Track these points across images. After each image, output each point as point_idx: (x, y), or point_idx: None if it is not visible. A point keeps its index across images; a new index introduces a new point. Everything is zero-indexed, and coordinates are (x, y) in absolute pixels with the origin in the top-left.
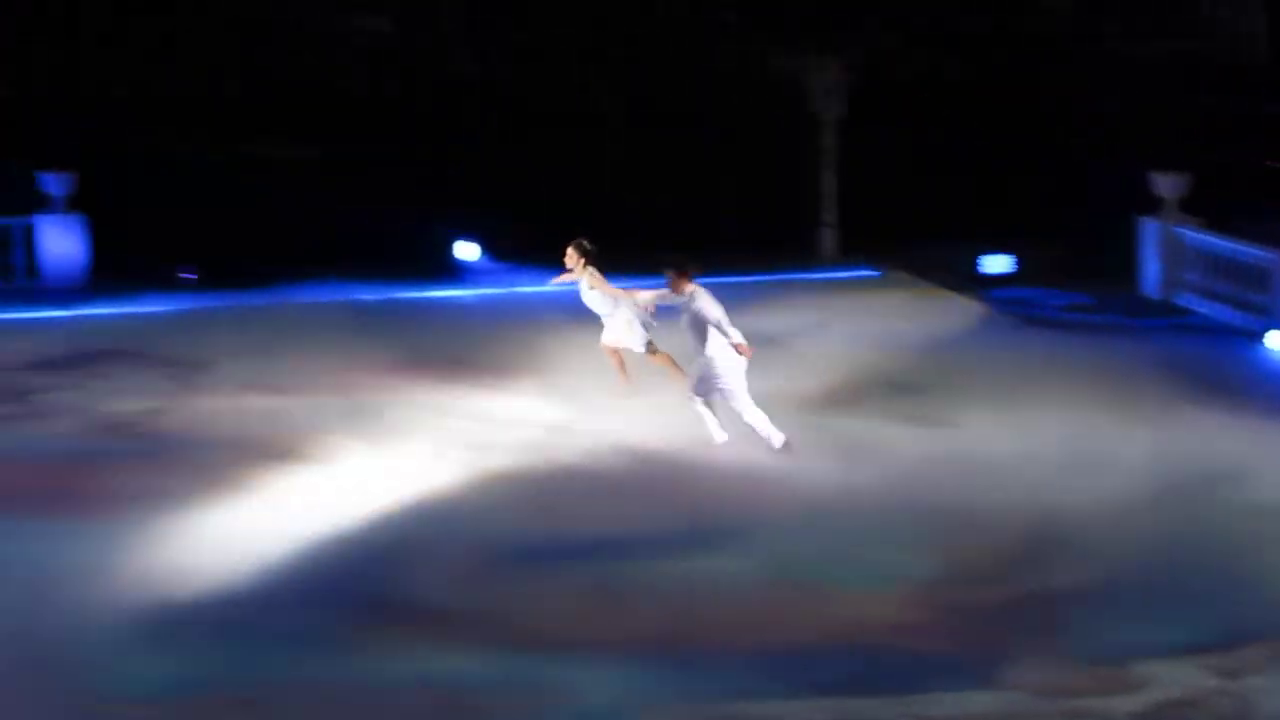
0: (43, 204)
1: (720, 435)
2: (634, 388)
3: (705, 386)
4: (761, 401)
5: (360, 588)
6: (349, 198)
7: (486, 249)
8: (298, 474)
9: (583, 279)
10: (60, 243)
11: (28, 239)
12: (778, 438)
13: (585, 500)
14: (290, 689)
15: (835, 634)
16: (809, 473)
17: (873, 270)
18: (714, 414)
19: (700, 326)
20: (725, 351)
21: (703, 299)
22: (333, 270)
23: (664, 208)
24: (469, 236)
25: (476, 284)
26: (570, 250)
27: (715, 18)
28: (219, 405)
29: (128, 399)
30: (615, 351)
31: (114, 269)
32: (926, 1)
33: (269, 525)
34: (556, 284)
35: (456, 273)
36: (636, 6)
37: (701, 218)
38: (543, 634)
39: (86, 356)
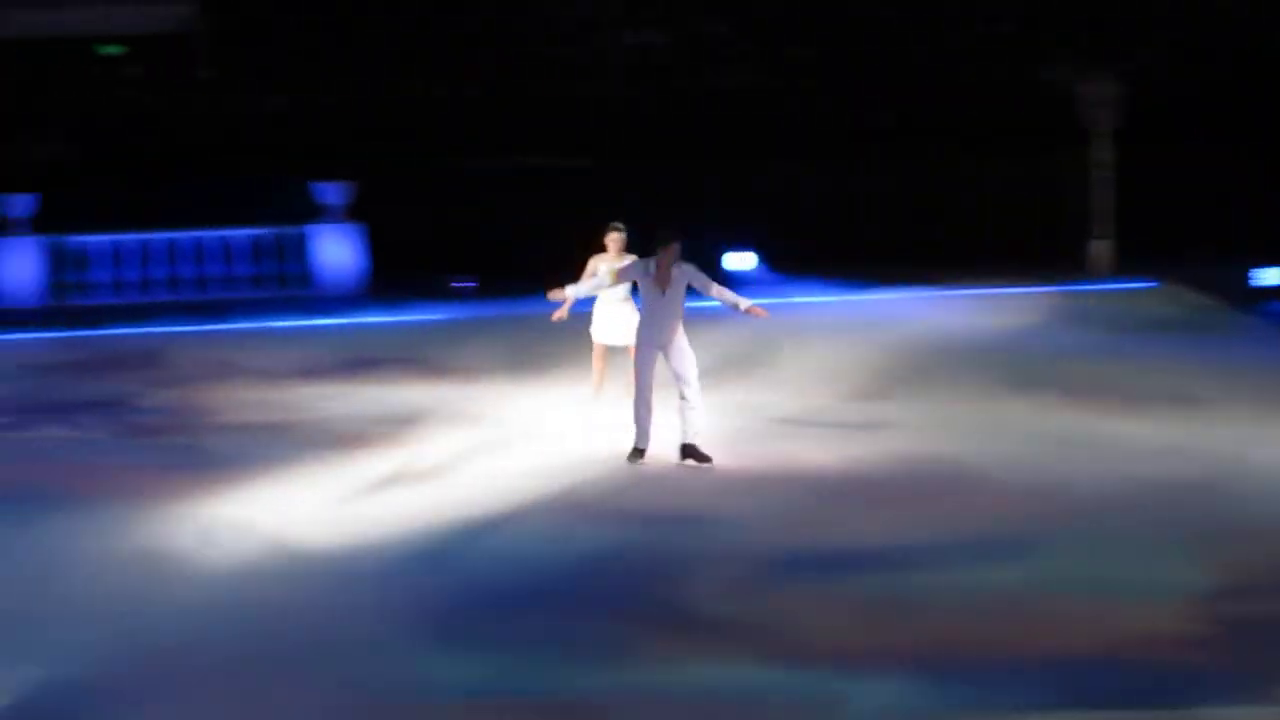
0: (319, 213)
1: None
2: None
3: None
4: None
5: (632, 595)
6: (624, 207)
7: (761, 259)
8: (569, 483)
9: (615, 265)
10: (336, 251)
11: (303, 248)
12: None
13: (854, 510)
14: (566, 695)
15: (1111, 646)
16: (1083, 482)
17: (1149, 283)
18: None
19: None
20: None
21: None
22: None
23: (931, 219)
24: (742, 247)
25: (750, 294)
26: (616, 235)
27: (991, 29)
28: (484, 413)
29: (395, 407)
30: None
31: (390, 278)
32: (1201, 16)
33: (544, 532)
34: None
35: (729, 283)
36: (907, 19)
37: (970, 229)
38: (814, 645)
39: (358, 364)
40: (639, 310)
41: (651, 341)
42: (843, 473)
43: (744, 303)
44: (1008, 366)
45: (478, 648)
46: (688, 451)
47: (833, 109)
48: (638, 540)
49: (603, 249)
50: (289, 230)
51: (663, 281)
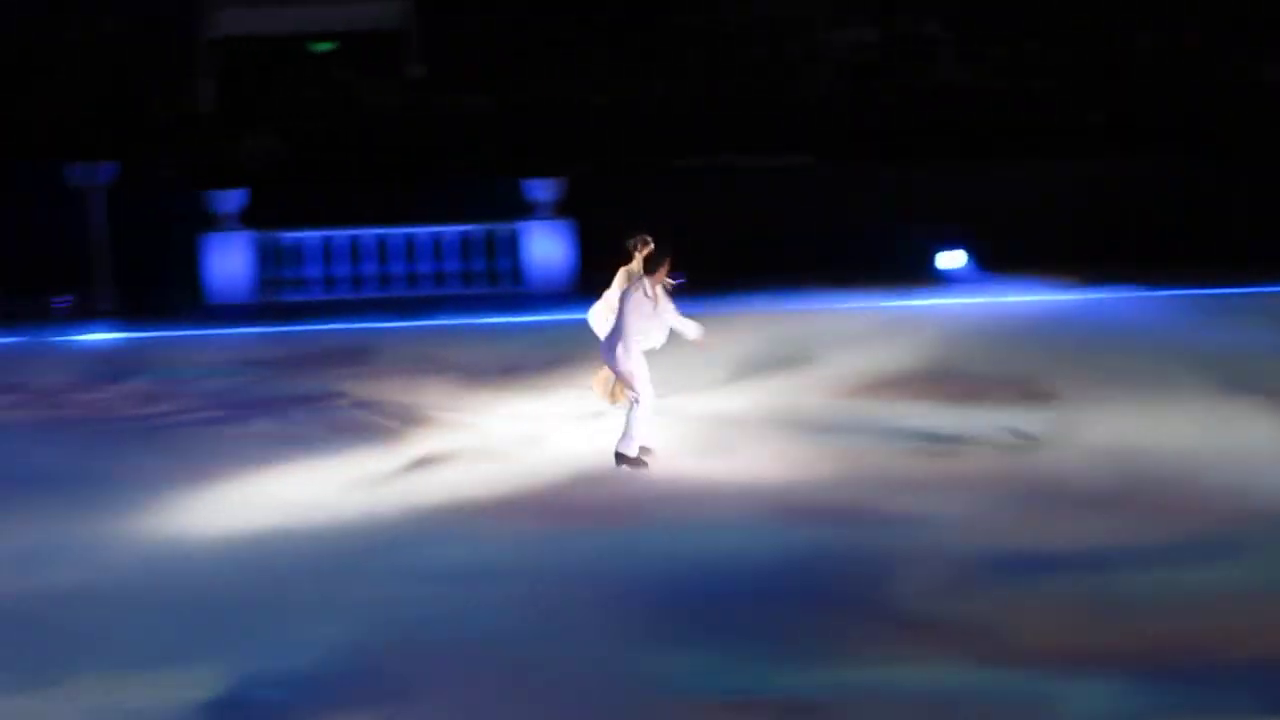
0: (530, 210)
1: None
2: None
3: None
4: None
5: (841, 595)
6: (834, 207)
7: (972, 258)
8: (778, 482)
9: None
10: (546, 248)
11: (514, 245)
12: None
13: (1060, 511)
14: (781, 694)
15: None
16: None
17: None
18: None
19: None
20: None
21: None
22: (819, 277)
23: (1155, 221)
24: (953, 245)
25: (960, 293)
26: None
27: (1210, 27)
28: (686, 409)
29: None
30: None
31: (599, 275)
32: None
33: (751, 529)
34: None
35: (940, 282)
36: (1125, 21)
37: (1204, 230)
38: (1029, 646)
39: (565, 361)
40: (625, 323)
41: (641, 351)
42: (1046, 473)
43: (691, 330)
44: (1227, 368)
45: (691, 646)
46: (629, 457)
47: (1044, 107)
48: (846, 539)
49: (628, 260)
50: (499, 227)
51: (655, 295)
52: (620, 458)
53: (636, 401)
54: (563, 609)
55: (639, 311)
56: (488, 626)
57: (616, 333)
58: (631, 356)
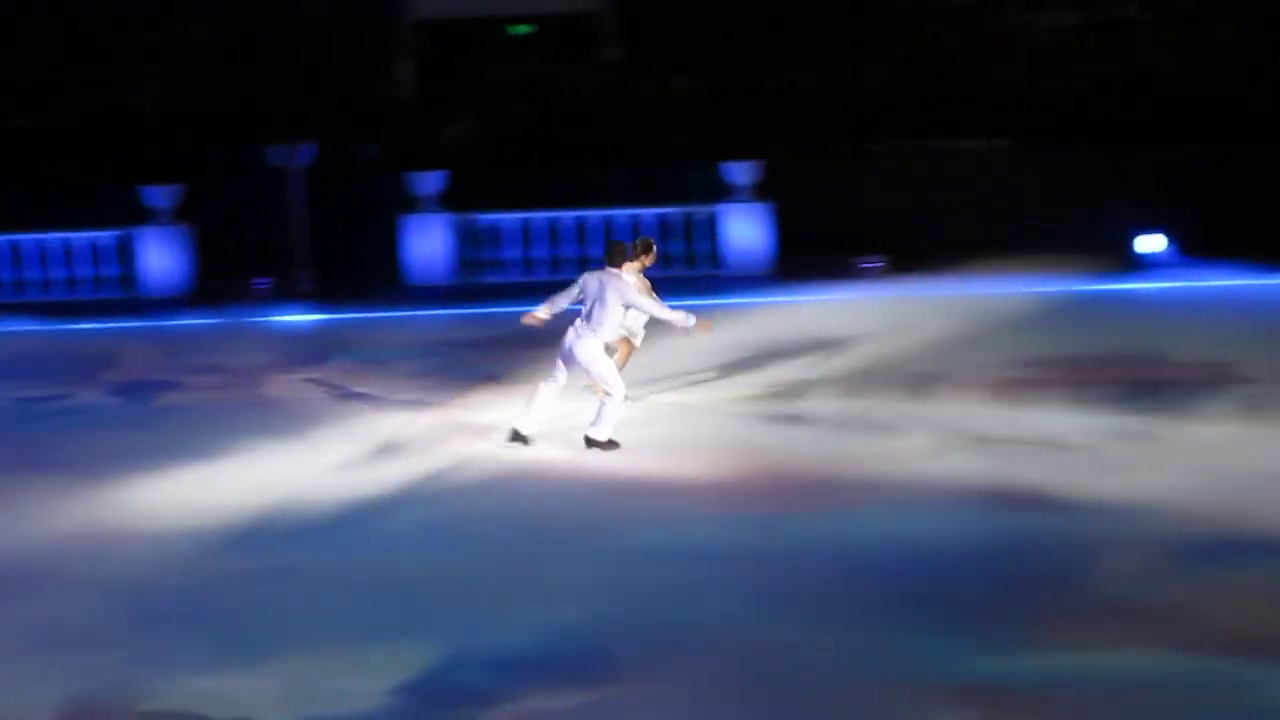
0: (728, 193)
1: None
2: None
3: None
4: None
5: (1041, 580)
6: (1032, 191)
7: (1171, 242)
8: (976, 465)
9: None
10: (744, 231)
11: (712, 227)
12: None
13: (1274, 495)
14: (984, 680)
15: None
16: None
17: None
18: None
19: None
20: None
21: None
22: (1016, 261)
23: None
24: (1153, 229)
25: (1160, 277)
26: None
27: None
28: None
29: (782, 383)
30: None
31: (797, 257)
32: None
33: (948, 513)
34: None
35: (1139, 265)
36: None
37: None
38: (1228, 632)
39: (765, 343)
40: (605, 318)
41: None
42: (1251, 457)
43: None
44: None
45: (898, 630)
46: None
47: (1246, 90)
48: (1044, 524)
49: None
50: (698, 209)
51: (633, 288)
52: (591, 442)
53: (610, 394)
54: (777, 592)
55: (619, 305)
56: (701, 610)
57: (599, 325)
58: (608, 349)
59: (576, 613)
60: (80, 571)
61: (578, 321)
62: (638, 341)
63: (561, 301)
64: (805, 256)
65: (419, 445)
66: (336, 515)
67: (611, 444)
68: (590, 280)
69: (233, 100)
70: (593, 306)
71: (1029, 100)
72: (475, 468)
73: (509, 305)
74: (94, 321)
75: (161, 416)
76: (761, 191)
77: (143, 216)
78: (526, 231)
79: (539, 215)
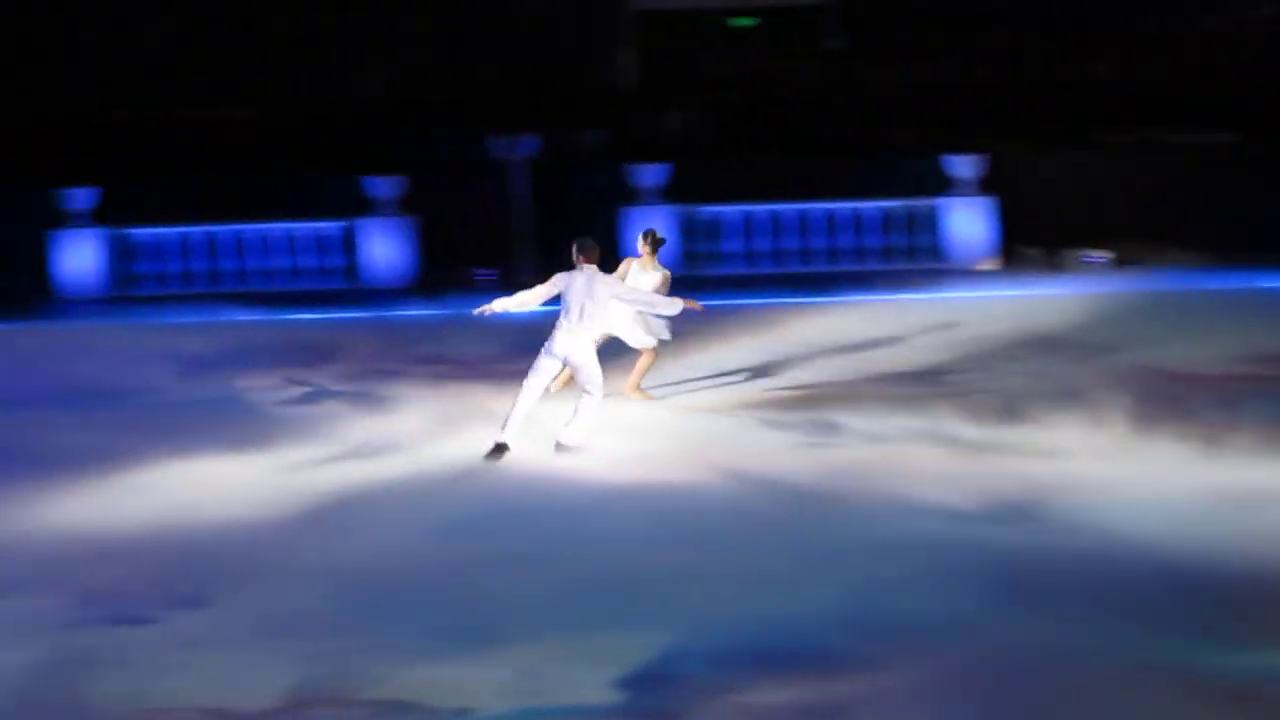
0: (951, 186)
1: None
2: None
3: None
4: None
5: (1257, 576)
6: (1260, 185)
7: None
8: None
9: (646, 270)
10: (967, 224)
11: (934, 221)
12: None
13: None
14: (1216, 676)
15: None
16: None
17: None
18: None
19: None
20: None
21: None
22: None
23: None
24: None
25: None
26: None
27: None
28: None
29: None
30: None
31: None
32: None
33: (1167, 505)
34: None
35: None
36: None
37: None
38: None
39: (986, 339)
40: (598, 314)
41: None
42: None
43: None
44: None
45: (1103, 621)
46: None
47: None
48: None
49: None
50: (920, 203)
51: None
52: (561, 446)
53: (590, 394)
54: (1009, 586)
55: (609, 299)
56: (929, 603)
57: (591, 320)
58: (593, 346)
59: (804, 605)
60: (310, 560)
61: (564, 320)
62: (667, 335)
63: (531, 300)
64: (1028, 250)
65: (633, 435)
66: (564, 506)
67: (582, 446)
68: (574, 279)
69: (455, 92)
70: (583, 304)
71: (1256, 93)
72: (687, 460)
73: (731, 297)
74: (317, 311)
75: (390, 404)
76: (985, 185)
77: (366, 207)
78: (748, 224)
79: (761, 208)
